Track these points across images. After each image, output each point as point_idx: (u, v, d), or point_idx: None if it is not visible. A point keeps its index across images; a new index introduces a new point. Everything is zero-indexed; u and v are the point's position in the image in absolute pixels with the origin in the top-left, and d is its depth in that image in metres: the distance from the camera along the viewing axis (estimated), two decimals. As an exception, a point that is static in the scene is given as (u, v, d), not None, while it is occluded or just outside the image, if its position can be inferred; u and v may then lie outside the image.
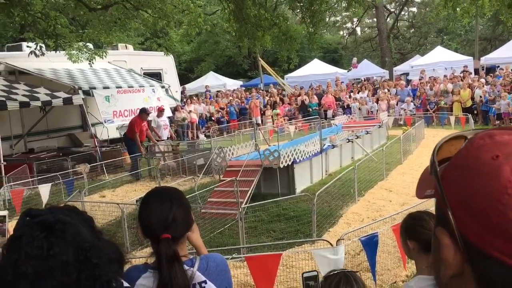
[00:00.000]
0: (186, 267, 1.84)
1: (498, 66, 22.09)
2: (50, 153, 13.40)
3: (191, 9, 13.05)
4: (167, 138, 14.21)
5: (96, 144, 13.34)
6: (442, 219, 0.66)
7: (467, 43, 38.33)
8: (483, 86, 17.84)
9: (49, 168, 11.57)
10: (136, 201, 8.21)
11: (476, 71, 23.09)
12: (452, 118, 16.78)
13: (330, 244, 4.44)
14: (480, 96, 17.62)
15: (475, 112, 17.70)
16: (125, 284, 1.29)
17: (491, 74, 20.11)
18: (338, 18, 46.25)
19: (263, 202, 7.16)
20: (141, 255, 5.37)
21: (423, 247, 2.24)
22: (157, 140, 13.45)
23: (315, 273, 2.60)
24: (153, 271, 1.83)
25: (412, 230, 2.34)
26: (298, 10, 11.60)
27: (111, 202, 8.47)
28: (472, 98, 18.02)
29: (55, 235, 1.03)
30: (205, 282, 1.85)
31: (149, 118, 13.90)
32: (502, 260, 0.59)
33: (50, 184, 9.09)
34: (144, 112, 12.60)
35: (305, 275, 2.54)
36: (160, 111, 14.08)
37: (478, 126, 15.60)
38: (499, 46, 28.80)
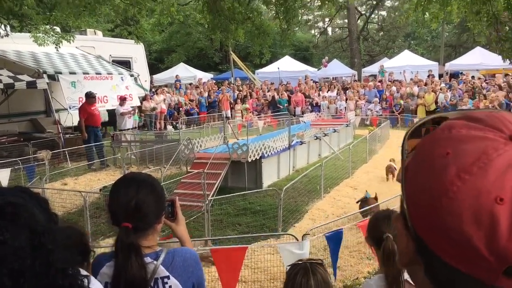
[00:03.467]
0: (149, 259, 1.74)
1: (462, 72, 22.79)
2: (11, 138, 12.96)
3: (164, -3, 12.84)
4: (132, 127, 13.96)
5: (60, 131, 12.98)
6: (401, 206, 0.66)
7: (433, 48, 39.32)
8: (446, 91, 18.37)
9: (9, 153, 11.19)
10: (100, 189, 8.06)
11: (441, 76, 23.76)
12: (416, 120, 17.17)
13: (296, 238, 4.47)
14: (443, 101, 18.14)
15: (439, 116, 18.16)
16: (83, 272, 1.21)
17: (455, 80, 20.71)
18: (310, 17, 46.56)
19: (229, 195, 7.15)
20: (105, 245, 5.27)
21: (376, 245, 2.29)
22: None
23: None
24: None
25: (368, 228, 2.40)
26: (272, 6, 11.58)
27: (74, 190, 8.27)
28: (436, 102, 18.52)
29: (6, 219, 0.95)
30: (168, 277, 1.75)
31: (112, 107, 13.63)
32: (444, 260, 0.58)
33: (9, 169, 8.79)
34: (89, 96, 12.24)
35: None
36: (122, 99, 13.77)
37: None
38: (463, 53, 29.71)
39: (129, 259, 1.67)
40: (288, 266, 2.28)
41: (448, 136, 0.60)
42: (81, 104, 12.69)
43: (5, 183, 8.48)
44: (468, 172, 0.55)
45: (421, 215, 0.60)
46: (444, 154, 0.58)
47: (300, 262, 2.21)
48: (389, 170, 9.41)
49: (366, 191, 7.20)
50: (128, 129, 13.49)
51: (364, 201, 6.68)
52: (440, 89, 18.76)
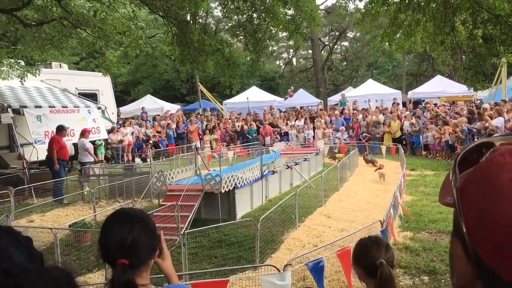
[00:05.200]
0: None
1: (424, 100, 23.59)
2: (-28, 174, 12.48)
3: (131, 30, 12.88)
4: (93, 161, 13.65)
5: (25, 166, 12.59)
6: (458, 230, 0.66)
7: (395, 77, 40.68)
8: (411, 118, 18.92)
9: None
10: (69, 226, 7.80)
11: (404, 104, 24.51)
12: (384, 148, 17.59)
13: (277, 269, 4.43)
14: (408, 128, 18.67)
15: (404, 142, 18.67)
16: None
17: (419, 107, 21.39)
18: (275, 48, 47.55)
19: (205, 227, 7.03)
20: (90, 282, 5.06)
21: (367, 272, 2.29)
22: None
23: None
24: None
25: (357, 256, 2.40)
26: (241, 37, 11.77)
27: (42, 226, 7.98)
28: (402, 129, 19.03)
29: None
30: None
31: (75, 141, 13.44)
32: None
33: (-28, 207, 8.43)
34: (62, 129, 12.16)
35: None
36: (83, 132, 13.50)
37: (406, 156, 16.39)
38: (424, 81, 30.87)
39: None
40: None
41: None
42: (51, 136, 12.45)
43: (-33, 222, 8.12)
44: None
45: (488, 239, 0.60)
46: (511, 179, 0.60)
47: None
48: (382, 175, 12.31)
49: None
50: (90, 162, 13.15)
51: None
52: (405, 116, 19.31)
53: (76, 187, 12.20)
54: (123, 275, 1.66)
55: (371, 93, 25.27)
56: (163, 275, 2.06)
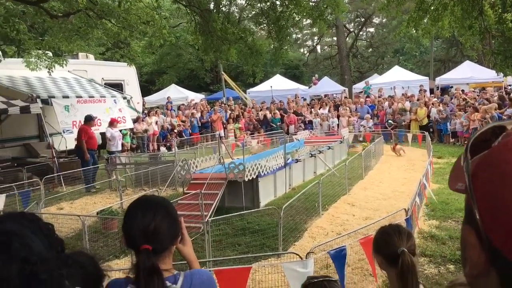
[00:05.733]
0: (168, 283, 1.74)
1: (452, 87, 23.07)
2: (4, 163, 12.85)
3: (155, 20, 12.95)
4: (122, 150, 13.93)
5: (54, 155, 12.90)
6: (470, 217, 0.65)
7: (422, 64, 39.84)
8: (438, 105, 18.54)
9: (2, 179, 11.08)
10: (97, 213, 7.98)
11: (431, 91, 24.01)
12: (410, 135, 17.32)
13: (300, 257, 4.43)
14: (435, 115, 18.31)
15: (431, 129, 18.33)
16: None
17: (447, 95, 20.93)
18: (299, 36, 47.14)
19: (228, 215, 7.10)
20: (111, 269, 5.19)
21: (389, 261, 2.27)
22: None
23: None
24: (133, 286, 1.72)
25: (378, 245, 2.37)
26: (264, 25, 11.71)
27: (71, 214, 8.18)
28: (429, 116, 18.68)
29: None
30: None
31: (102, 131, 13.67)
32: None
33: (4, 195, 8.70)
34: (90, 119, 12.39)
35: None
36: (112, 122, 13.77)
37: (433, 143, 16.11)
38: (452, 67, 30.12)
39: (152, 282, 1.66)
40: (302, 286, 2.24)
41: None
42: (80, 126, 12.73)
43: (0, 209, 8.40)
44: None
45: (501, 224, 0.59)
46: None
47: (314, 280, 2.18)
48: (399, 150, 14.32)
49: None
50: (122, 151, 13.46)
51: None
52: (432, 103, 18.93)
53: (103, 176, 12.43)
54: (147, 260, 1.69)
55: (397, 80, 24.83)
56: (185, 262, 2.10)
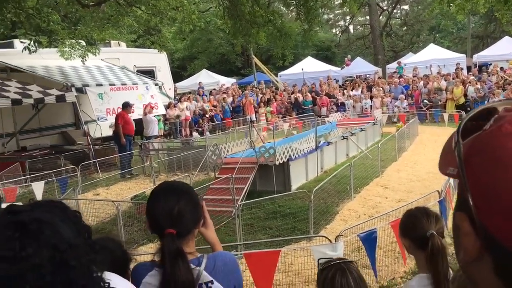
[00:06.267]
0: (192, 265, 1.78)
1: (490, 64, 22.22)
2: (43, 151, 13.28)
3: (184, 6, 12.97)
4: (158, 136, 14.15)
5: (89, 142, 13.23)
6: (463, 203, 0.62)
7: (459, 40, 38.52)
8: (476, 83, 17.92)
9: (42, 166, 11.46)
10: (131, 198, 8.16)
11: (469, 69, 23.21)
12: (446, 115, 16.84)
13: (329, 240, 4.41)
14: (472, 94, 17.72)
15: (468, 109, 17.77)
16: (113, 285, 1.19)
17: (485, 72, 20.19)
18: (331, 16, 46.31)
19: (259, 199, 7.12)
20: (136, 253, 5.31)
21: (417, 244, 2.22)
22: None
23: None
24: (159, 269, 1.78)
25: (406, 228, 2.33)
26: (293, 7, 11.55)
27: (106, 199, 8.40)
28: (466, 95, 18.09)
29: (29, 236, 0.95)
30: (211, 282, 1.79)
31: (139, 116, 13.88)
32: None
33: (43, 182, 9.01)
34: (127, 105, 12.56)
35: (320, 260, 2.50)
36: (148, 108, 13.96)
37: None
38: (491, 43, 28.99)
39: (177, 265, 1.71)
40: (319, 269, 2.22)
41: None
42: (117, 112, 12.94)
43: (39, 195, 8.71)
44: None
45: (499, 212, 0.57)
46: None
47: (331, 263, 2.16)
48: None
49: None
50: (157, 136, 13.66)
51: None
52: (469, 82, 18.30)
53: (138, 162, 12.68)
54: (172, 244, 1.75)
55: (432, 58, 24.06)
56: (209, 246, 2.12)
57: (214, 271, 1.81)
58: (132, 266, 2.04)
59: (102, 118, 14.10)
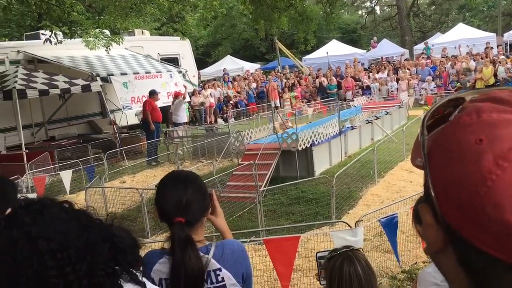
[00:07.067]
0: (201, 253, 1.80)
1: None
2: (71, 140, 13.58)
3: (205, -8, 12.96)
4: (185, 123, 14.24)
5: (116, 131, 13.45)
6: (427, 195, 0.62)
7: (490, 19, 37.26)
8: (506, 62, 17.34)
9: (70, 155, 11.73)
10: (155, 186, 8.28)
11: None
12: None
13: (349, 226, 4.38)
14: (503, 74, 17.17)
15: (499, 89, 17.22)
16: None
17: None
18: (356, -3, 45.45)
19: (281, 185, 7.12)
20: (160, 240, 5.40)
21: None
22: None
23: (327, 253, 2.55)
24: (168, 257, 1.81)
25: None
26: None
27: (131, 187, 8.55)
28: (496, 75, 17.55)
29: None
30: (219, 269, 1.82)
31: (163, 104, 13.98)
32: (482, 250, 0.55)
33: (71, 170, 9.22)
34: (154, 93, 12.62)
35: (318, 254, 2.51)
36: (177, 95, 14.04)
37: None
38: (523, 21, 27.95)
39: (186, 252, 1.75)
40: (326, 258, 2.21)
41: (478, 121, 0.57)
42: (144, 100, 13.06)
43: (68, 184, 8.94)
44: (507, 159, 0.53)
45: (455, 205, 0.57)
46: (477, 141, 0.55)
47: (338, 251, 2.14)
48: None
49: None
50: (185, 123, 13.73)
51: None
52: (499, 61, 17.73)
53: (163, 149, 12.82)
54: (181, 232, 1.78)
55: (461, 38, 23.39)
56: (219, 233, 2.14)
57: (222, 259, 1.83)
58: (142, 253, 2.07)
59: (127, 106, 14.29)
